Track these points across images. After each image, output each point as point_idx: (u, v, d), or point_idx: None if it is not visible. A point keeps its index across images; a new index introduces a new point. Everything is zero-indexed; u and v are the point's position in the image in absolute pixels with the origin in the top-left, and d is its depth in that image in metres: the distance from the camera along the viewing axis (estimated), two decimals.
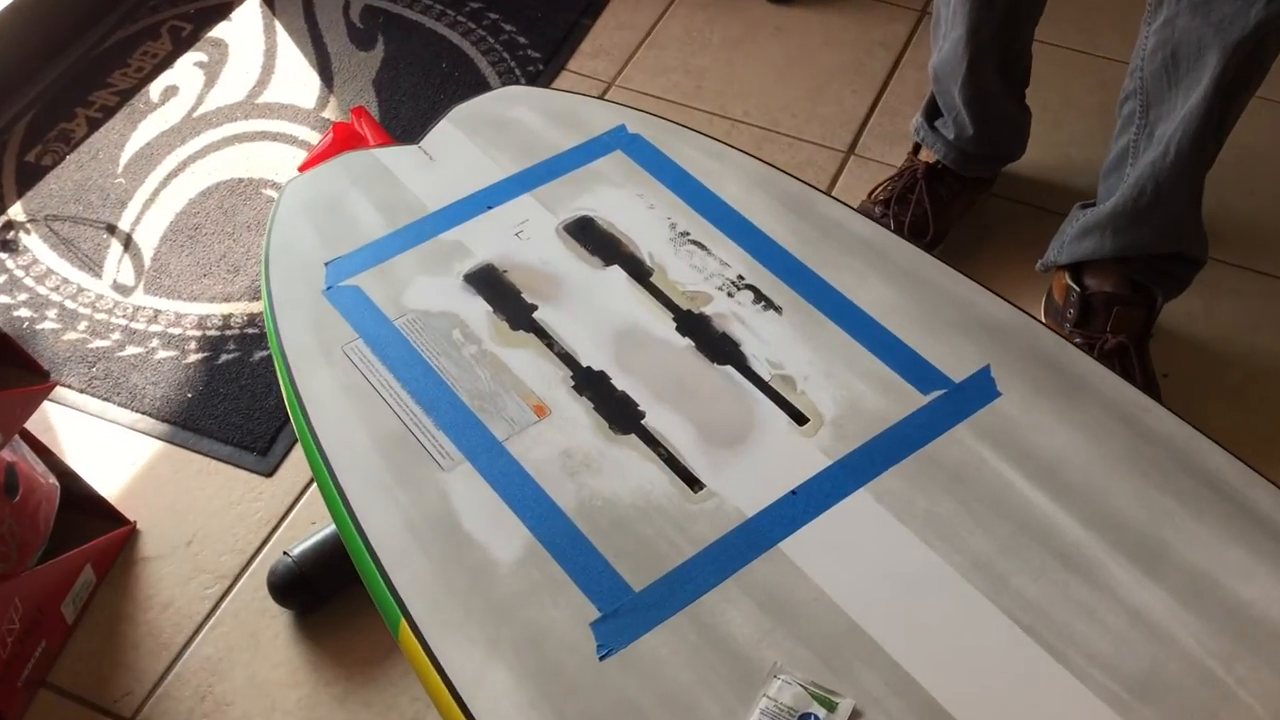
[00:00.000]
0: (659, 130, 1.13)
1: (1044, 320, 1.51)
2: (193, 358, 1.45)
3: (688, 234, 1.03)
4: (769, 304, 0.97)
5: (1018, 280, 1.56)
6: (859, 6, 1.96)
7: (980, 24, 1.41)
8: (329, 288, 0.99)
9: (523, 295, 0.98)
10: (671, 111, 1.79)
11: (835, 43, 1.91)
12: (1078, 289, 1.41)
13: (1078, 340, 1.41)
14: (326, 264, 1.01)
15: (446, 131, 1.13)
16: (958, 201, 1.58)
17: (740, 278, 0.99)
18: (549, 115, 1.14)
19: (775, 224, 1.04)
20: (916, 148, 1.59)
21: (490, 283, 0.99)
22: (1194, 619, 0.78)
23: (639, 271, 1.00)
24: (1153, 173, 1.29)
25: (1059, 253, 1.43)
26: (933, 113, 1.55)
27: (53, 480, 1.24)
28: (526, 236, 1.03)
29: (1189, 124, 1.24)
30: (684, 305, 0.97)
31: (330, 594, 1.25)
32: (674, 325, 0.96)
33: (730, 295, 0.98)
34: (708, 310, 0.97)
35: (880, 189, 1.59)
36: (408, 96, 1.78)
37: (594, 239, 1.03)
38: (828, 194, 1.08)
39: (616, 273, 1.00)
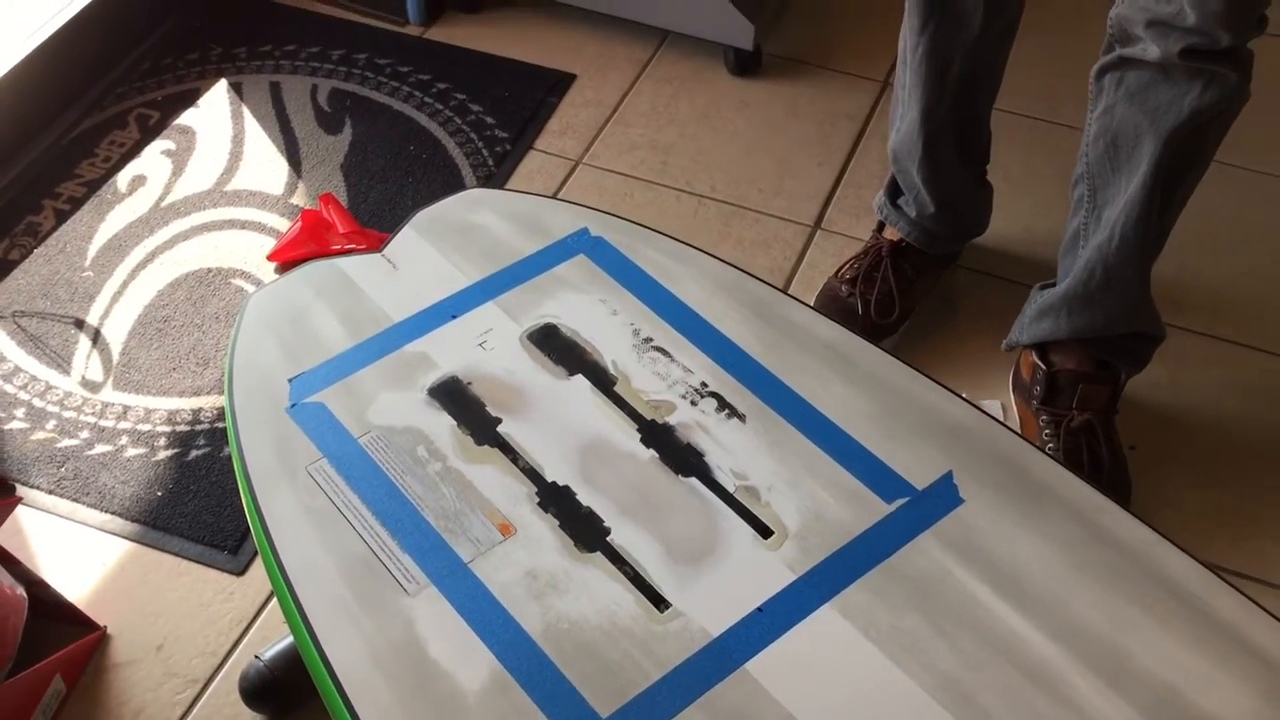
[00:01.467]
0: (621, 232, 1.14)
1: (1012, 395, 1.53)
2: (162, 454, 1.44)
3: (651, 340, 1.04)
4: (732, 412, 0.98)
5: (986, 355, 1.57)
6: (822, 79, 1.99)
7: (933, 105, 1.43)
8: (292, 405, 0.99)
9: (487, 408, 0.98)
10: (639, 189, 1.81)
11: (800, 115, 1.93)
12: (1043, 367, 1.43)
13: (1044, 417, 1.43)
14: (290, 380, 1.01)
15: (409, 238, 1.13)
16: (924, 278, 1.59)
17: (704, 385, 1.00)
18: (512, 218, 1.15)
19: (738, 328, 1.04)
20: (881, 225, 1.61)
21: (454, 396, 0.99)
22: None
23: (603, 381, 1.00)
24: (1100, 256, 1.31)
25: (1020, 333, 1.45)
26: (894, 191, 1.57)
27: (20, 591, 1.23)
28: (490, 346, 1.03)
29: (1131, 210, 1.26)
30: (648, 415, 0.98)
31: (303, 698, 1.24)
32: (638, 436, 0.96)
33: (694, 404, 0.99)
34: (671, 420, 0.97)
35: (846, 267, 1.61)
36: (376, 180, 1.79)
37: (557, 348, 1.03)
38: (786, 293, 1.09)
39: (580, 382, 1.00)
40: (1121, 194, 1.28)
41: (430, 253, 1.12)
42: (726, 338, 1.03)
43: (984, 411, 0.98)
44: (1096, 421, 1.40)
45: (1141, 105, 1.22)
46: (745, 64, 1.97)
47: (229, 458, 1.43)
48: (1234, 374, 1.59)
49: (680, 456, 0.95)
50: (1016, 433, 0.97)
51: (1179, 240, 1.66)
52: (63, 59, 1.83)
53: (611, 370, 1.01)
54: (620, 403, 0.99)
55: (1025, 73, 1.75)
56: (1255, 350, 1.61)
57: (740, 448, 0.95)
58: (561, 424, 0.97)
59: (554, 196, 1.79)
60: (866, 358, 1.02)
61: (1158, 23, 1.16)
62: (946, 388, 1.00)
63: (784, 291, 1.09)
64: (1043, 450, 1.40)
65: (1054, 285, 1.42)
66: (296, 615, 0.86)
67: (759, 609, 0.85)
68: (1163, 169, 1.23)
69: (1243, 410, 1.55)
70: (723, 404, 0.98)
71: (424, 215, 1.16)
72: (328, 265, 1.11)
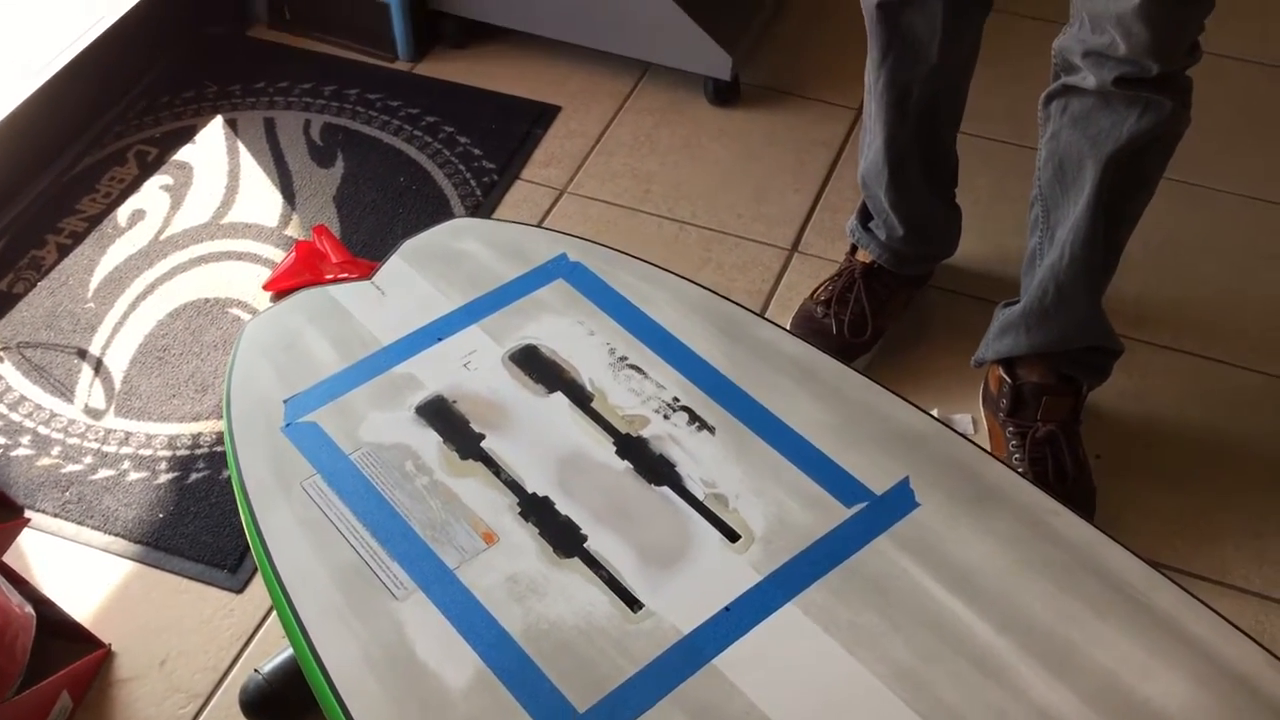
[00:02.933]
0: (599, 258, 1.20)
1: (982, 409, 1.58)
2: (163, 478, 1.50)
3: (626, 359, 1.09)
4: (703, 424, 1.04)
5: (958, 370, 1.63)
6: (798, 107, 2.05)
7: (896, 132, 1.50)
8: (287, 425, 1.04)
9: (471, 425, 1.04)
10: (622, 216, 1.87)
11: (777, 143, 2.00)
12: (1009, 381, 1.49)
13: (1011, 429, 1.48)
14: (285, 401, 1.06)
15: (397, 266, 1.19)
16: (896, 298, 1.65)
17: (676, 400, 1.06)
18: (495, 246, 1.21)
19: (709, 346, 1.10)
20: (853, 248, 1.67)
21: (440, 414, 1.05)
22: (1099, 717, 0.84)
23: (580, 397, 1.06)
24: (1053, 275, 1.38)
25: (986, 350, 1.51)
26: (865, 215, 1.63)
27: (29, 609, 1.28)
28: (474, 367, 1.09)
29: (1079, 230, 1.33)
30: (623, 429, 1.04)
31: (302, 710, 1.29)
32: (614, 449, 1.02)
33: (666, 417, 1.04)
34: (645, 433, 1.03)
35: (821, 288, 1.67)
36: (368, 211, 1.85)
37: (538, 367, 1.09)
38: (760, 315, 1.15)
39: (559, 399, 1.06)
40: (1071, 215, 1.34)
41: (417, 279, 1.18)
42: (697, 355, 1.09)
43: (948, 425, 1.04)
44: (1060, 432, 1.46)
45: (1084, 130, 1.28)
46: (724, 94, 2.04)
47: (227, 480, 1.49)
48: (1196, 385, 1.64)
49: (653, 467, 1.00)
50: (970, 440, 1.03)
51: (1144, 257, 1.74)
52: (64, 99, 1.90)
53: (589, 387, 1.07)
54: (597, 418, 1.04)
55: (992, 97, 1.82)
56: (1216, 362, 1.67)
57: (709, 458, 1.01)
58: (541, 438, 1.03)
59: (539, 225, 1.85)
60: (829, 372, 1.08)
61: (1093, 53, 1.23)
62: (904, 398, 1.06)
63: (755, 313, 1.15)
64: (1009, 459, 1.47)
65: (1016, 303, 1.48)
66: (293, 621, 0.92)
67: (726, 608, 0.91)
68: (1106, 191, 1.30)
69: (1205, 420, 1.61)
70: (693, 417, 1.04)
71: (411, 244, 1.22)
72: (320, 293, 1.17)
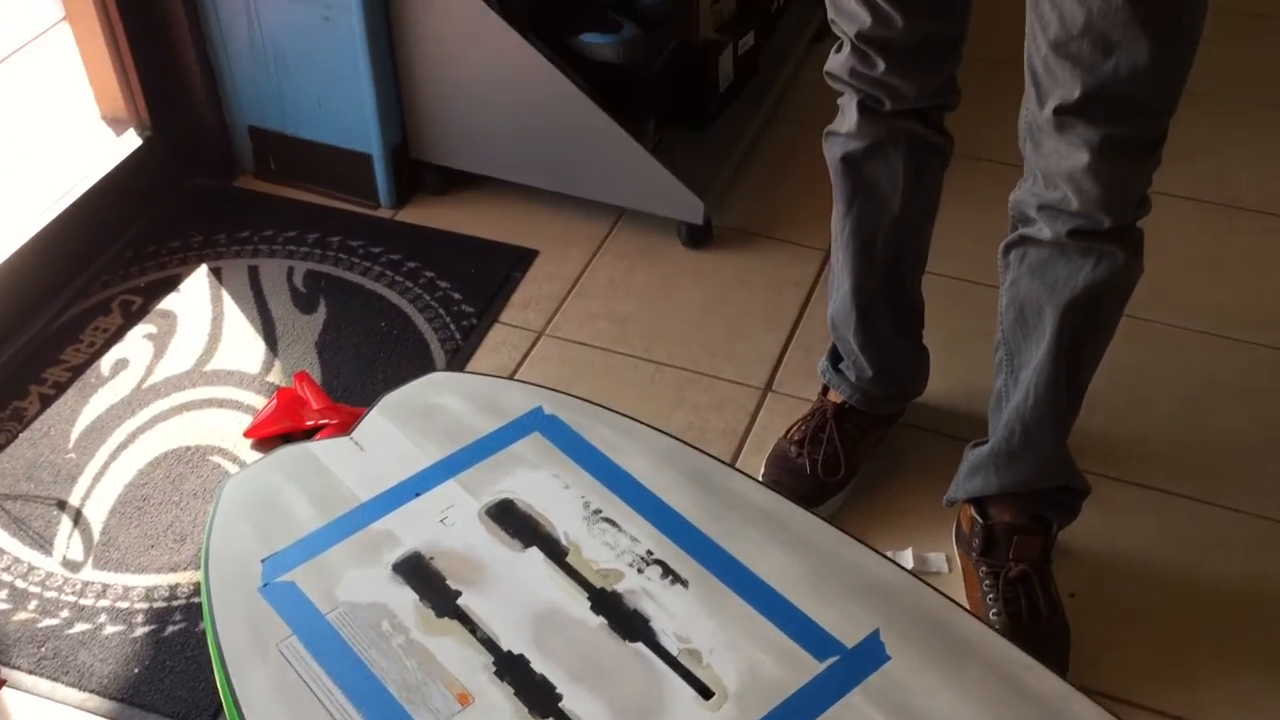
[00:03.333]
0: (573, 410, 1.23)
1: (955, 548, 1.60)
2: (139, 631, 1.49)
3: (600, 511, 1.11)
4: (676, 578, 1.05)
5: (932, 508, 1.65)
6: (769, 249, 2.11)
7: (863, 279, 1.55)
8: (265, 585, 1.06)
9: (448, 582, 1.06)
10: (599, 358, 1.91)
11: (749, 284, 2.05)
12: (980, 520, 1.51)
13: (983, 568, 1.50)
14: (263, 560, 1.08)
15: (376, 422, 1.22)
16: (867, 437, 1.68)
17: (649, 553, 1.08)
18: (471, 399, 1.24)
19: (681, 497, 1.13)
20: (825, 388, 1.70)
21: (417, 571, 1.06)
22: None
23: (555, 551, 1.08)
24: (1019, 416, 1.41)
25: (956, 489, 1.53)
26: (835, 356, 1.67)
27: None
28: (451, 522, 1.11)
29: (1041, 374, 1.37)
30: (597, 584, 1.05)
31: None
32: (588, 604, 1.03)
33: (640, 571, 1.06)
34: (619, 587, 1.05)
35: (795, 428, 1.70)
36: (349, 356, 1.88)
37: (514, 522, 1.11)
38: (731, 464, 1.18)
39: (535, 554, 1.08)
40: (1033, 359, 1.38)
41: (395, 434, 1.20)
42: (670, 507, 1.12)
43: (921, 565, 1.06)
44: (1032, 571, 1.47)
45: (1042, 279, 1.33)
46: (697, 237, 2.10)
47: (203, 633, 1.48)
48: (1165, 521, 1.67)
49: (627, 622, 1.02)
50: (939, 590, 1.05)
51: (1109, 394, 1.78)
52: (52, 251, 1.94)
53: (564, 541, 1.09)
54: (572, 572, 1.06)
55: (957, 239, 1.88)
56: (1183, 498, 1.70)
57: (683, 612, 1.03)
58: (517, 595, 1.04)
59: (518, 367, 1.89)
60: (799, 522, 1.10)
61: (1047, 207, 1.29)
62: (873, 548, 1.08)
63: (724, 462, 1.17)
64: (984, 599, 1.48)
65: (984, 443, 1.51)
66: None
67: None
68: (1065, 336, 1.34)
69: (1174, 556, 1.62)
70: (667, 570, 1.06)
71: (390, 399, 1.25)
72: (299, 449, 1.19)
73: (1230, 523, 1.66)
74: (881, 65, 1.39)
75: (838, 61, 1.44)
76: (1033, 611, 1.45)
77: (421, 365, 1.87)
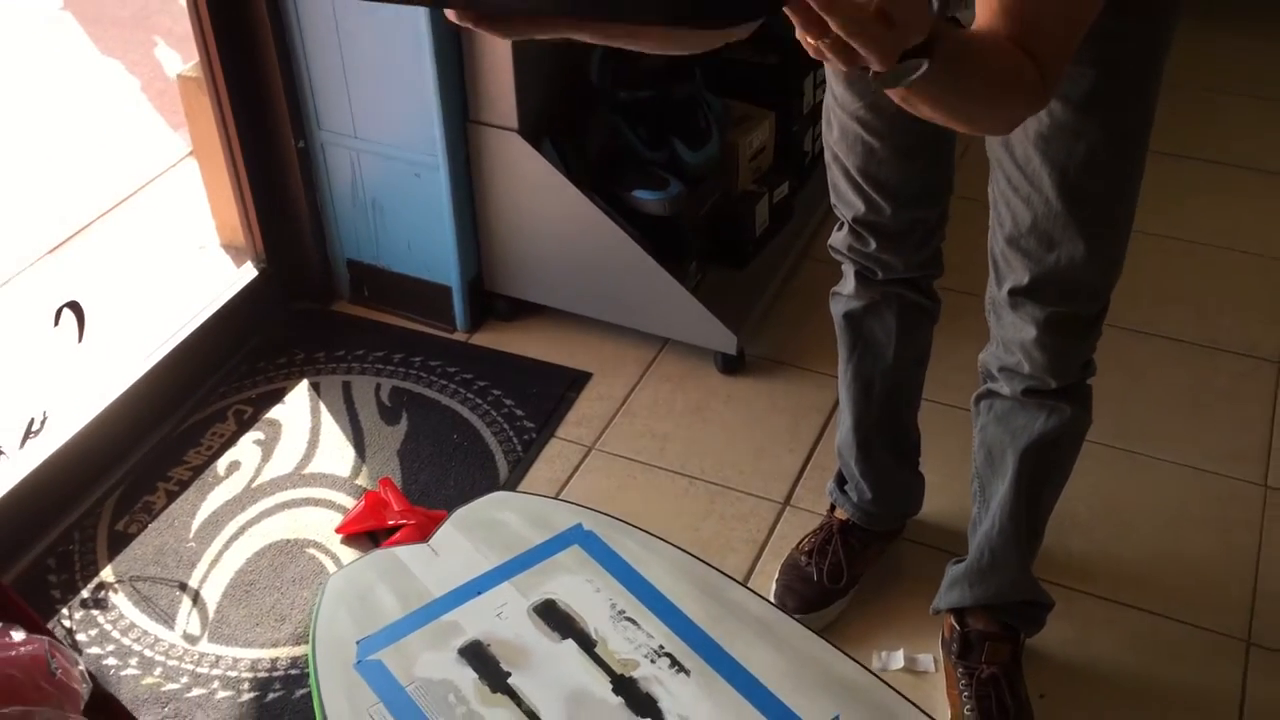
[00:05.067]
0: (607, 527, 1.50)
1: (940, 651, 1.84)
2: (245, 696, 1.78)
3: (624, 612, 1.39)
4: (681, 668, 1.32)
5: (923, 615, 1.89)
6: (795, 376, 2.39)
7: (862, 416, 1.82)
8: (359, 662, 1.34)
9: (501, 665, 1.33)
10: (640, 471, 2.19)
11: (776, 408, 2.32)
12: (958, 627, 1.75)
13: (960, 669, 1.74)
14: (358, 642, 1.36)
15: (449, 532, 1.51)
16: (869, 551, 1.94)
17: (661, 647, 1.34)
18: (525, 515, 1.52)
19: (691, 603, 1.40)
20: (832, 506, 1.97)
21: (477, 655, 1.34)
22: None
23: (586, 643, 1.35)
24: (988, 542, 1.66)
25: (939, 600, 1.78)
26: (841, 479, 1.93)
27: None
28: (505, 617, 1.39)
29: (1005, 507, 1.62)
30: (619, 670, 1.32)
31: None
32: (610, 687, 1.30)
33: (653, 662, 1.33)
34: (636, 674, 1.31)
35: (806, 540, 1.96)
36: (426, 464, 2.18)
37: (555, 618, 1.38)
38: (738, 580, 1.44)
39: (570, 645, 1.35)
40: (999, 493, 1.64)
41: (464, 543, 1.49)
42: (680, 611, 1.38)
43: (872, 672, 1.31)
44: (1002, 673, 1.71)
45: (1005, 426, 1.59)
46: (731, 365, 2.38)
47: (299, 699, 1.77)
48: (1131, 632, 1.89)
49: (641, 704, 1.28)
50: (896, 690, 1.30)
51: (1088, 517, 2.02)
52: (180, 366, 2.28)
53: (593, 635, 1.36)
54: (599, 660, 1.33)
55: (954, 372, 2.13)
56: (1148, 612, 1.92)
57: (686, 696, 1.29)
58: (555, 677, 1.32)
59: (569, 479, 2.17)
60: (784, 628, 1.36)
61: (1006, 369, 1.55)
62: (844, 651, 1.33)
63: (729, 576, 1.44)
64: (960, 695, 1.72)
65: (962, 560, 1.76)
66: None
67: None
68: (1025, 476, 1.59)
69: (1139, 667, 1.85)
70: (674, 662, 1.32)
71: (460, 513, 1.54)
72: (388, 554, 1.48)
73: (1189, 637, 1.88)
74: (874, 244, 1.67)
75: (838, 238, 1.73)
76: (1001, 709, 1.69)
77: (487, 474, 2.17)
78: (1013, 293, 1.49)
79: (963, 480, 2.11)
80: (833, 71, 1.53)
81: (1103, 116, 1.32)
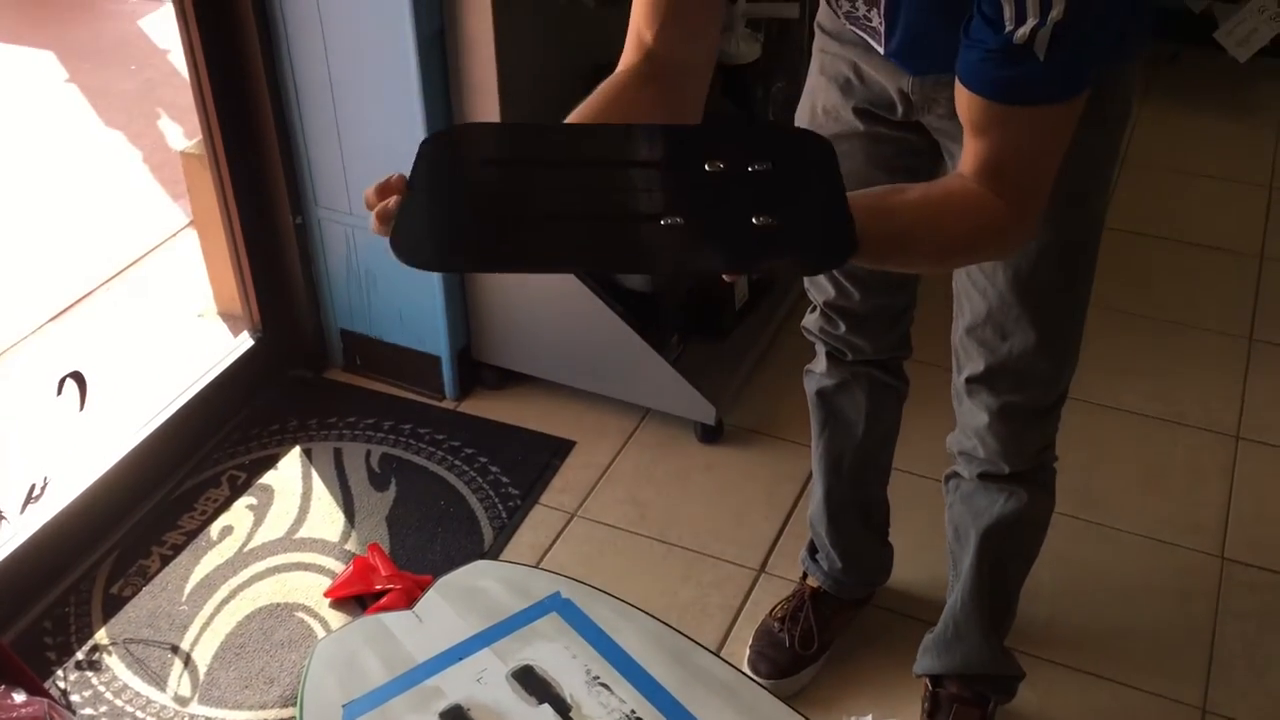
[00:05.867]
0: (583, 595, 1.58)
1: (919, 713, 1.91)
2: None
3: (598, 678, 1.46)
4: None
5: (892, 679, 1.96)
6: (771, 446, 2.47)
7: (833, 488, 1.89)
8: None
9: None
10: (620, 537, 2.26)
11: (753, 477, 2.40)
12: (931, 688, 1.82)
13: None
14: (344, 706, 1.43)
15: (433, 599, 1.58)
16: (839, 617, 2.00)
17: (633, 712, 1.41)
18: (506, 583, 1.60)
19: (661, 669, 1.46)
20: (804, 574, 2.04)
21: (458, 719, 1.41)
22: None
23: (562, 708, 1.42)
24: (952, 615, 1.74)
25: (916, 666, 1.85)
26: (813, 548, 2.01)
27: None
28: (485, 682, 1.46)
29: (968, 585, 1.70)
30: None
31: None
32: None
33: None
34: None
35: (779, 606, 2.03)
36: (413, 529, 2.25)
37: (532, 683, 1.45)
38: (709, 648, 1.52)
39: (547, 709, 1.42)
40: (965, 569, 1.71)
41: (447, 610, 1.56)
42: (651, 677, 1.45)
43: None
44: None
45: (969, 507, 1.67)
46: (710, 435, 2.46)
47: None
48: (1092, 700, 1.96)
49: None
50: None
51: (1054, 587, 2.09)
52: (175, 432, 2.36)
53: (569, 700, 1.43)
54: None
55: (927, 442, 2.21)
56: (1108, 680, 1.99)
57: None
58: None
59: (551, 544, 2.24)
60: (750, 694, 1.43)
61: (964, 453, 1.63)
62: (802, 714, 1.40)
63: (697, 643, 1.51)
64: None
65: (934, 629, 1.83)
66: None
67: None
68: (987, 556, 1.67)
69: None
70: None
71: (444, 580, 1.61)
72: (374, 621, 1.55)
73: (1147, 705, 1.95)
74: (843, 327, 1.76)
75: (811, 320, 1.82)
76: None
77: (472, 540, 2.24)
78: (969, 380, 1.57)
79: (931, 550, 2.20)
80: None
81: (1055, 222, 1.40)
